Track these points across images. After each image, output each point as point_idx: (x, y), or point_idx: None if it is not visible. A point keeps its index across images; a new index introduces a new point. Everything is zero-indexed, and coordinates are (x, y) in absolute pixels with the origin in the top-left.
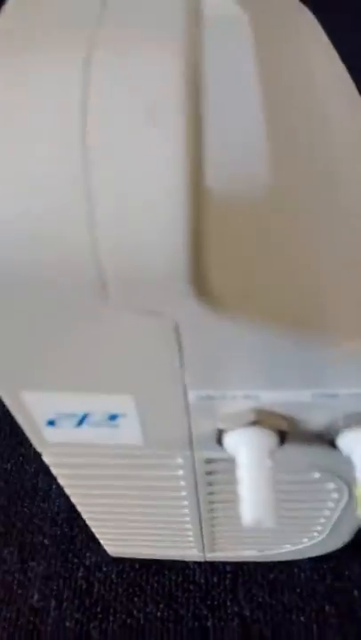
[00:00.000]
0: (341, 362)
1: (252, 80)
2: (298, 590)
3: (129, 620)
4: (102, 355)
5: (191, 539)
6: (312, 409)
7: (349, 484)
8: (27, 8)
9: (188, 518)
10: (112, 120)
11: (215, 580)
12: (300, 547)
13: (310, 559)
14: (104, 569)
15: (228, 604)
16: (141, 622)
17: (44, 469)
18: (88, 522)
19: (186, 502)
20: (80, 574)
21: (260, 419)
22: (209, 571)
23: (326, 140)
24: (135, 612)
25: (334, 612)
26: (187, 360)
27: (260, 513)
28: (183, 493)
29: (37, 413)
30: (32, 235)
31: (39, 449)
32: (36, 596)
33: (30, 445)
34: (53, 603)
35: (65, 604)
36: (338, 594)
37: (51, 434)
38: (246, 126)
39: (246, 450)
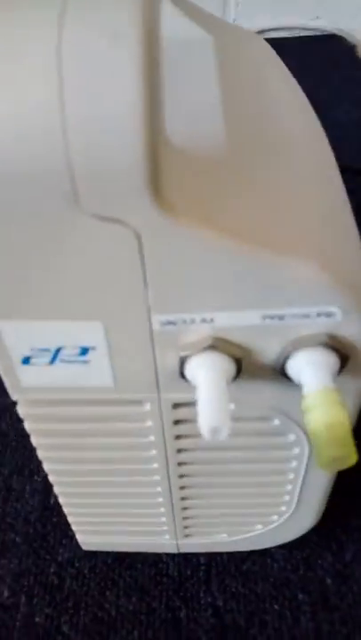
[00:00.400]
0: (287, 282)
1: (213, 79)
2: (271, 580)
3: (100, 614)
4: (72, 276)
5: (163, 519)
6: (262, 334)
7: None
8: None
9: (159, 489)
10: (82, 48)
11: (188, 572)
12: (271, 527)
13: (283, 549)
14: (76, 564)
15: (202, 595)
16: (113, 615)
17: (19, 471)
18: (60, 499)
19: (156, 465)
20: (52, 570)
21: (216, 344)
22: (182, 564)
23: (275, 126)
24: (107, 606)
25: (308, 600)
26: (150, 279)
27: (216, 421)
28: (153, 452)
29: (13, 348)
30: (14, 137)
31: (14, 396)
32: (5, 593)
33: (5, 447)
34: (23, 599)
35: (35, 599)
36: (311, 583)
37: (25, 374)
38: (205, 107)
39: (204, 372)
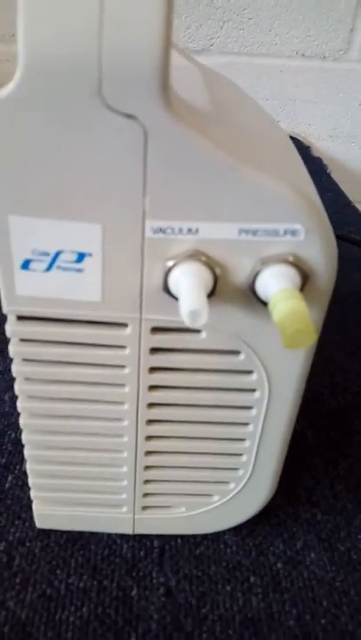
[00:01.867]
0: (262, 197)
1: (202, 87)
2: (223, 564)
3: (49, 591)
4: (81, 174)
5: (125, 482)
6: (237, 251)
7: (269, 376)
8: None
9: (126, 438)
10: None
11: (142, 554)
12: (227, 497)
13: (235, 537)
14: (27, 544)
15: (154, 575)
16: (62, 592)
17: None
18: (26, 450)
19: (126, 406)
20: (1, 549)
21: (199, 255)
22: (136, 546)
23: (248, 117)
24: (56, 583)
25: (259, 583)
26: (149, 180)
27: (196, 304)
28: (126, 389)
29: (17, 248)
30: (58, 36)
31: (7, 308)
32: None
33: None
34: None
35: None
36: (262, 567)
37: (22, 281)
38: (198, 95)
39: (187, 278)
